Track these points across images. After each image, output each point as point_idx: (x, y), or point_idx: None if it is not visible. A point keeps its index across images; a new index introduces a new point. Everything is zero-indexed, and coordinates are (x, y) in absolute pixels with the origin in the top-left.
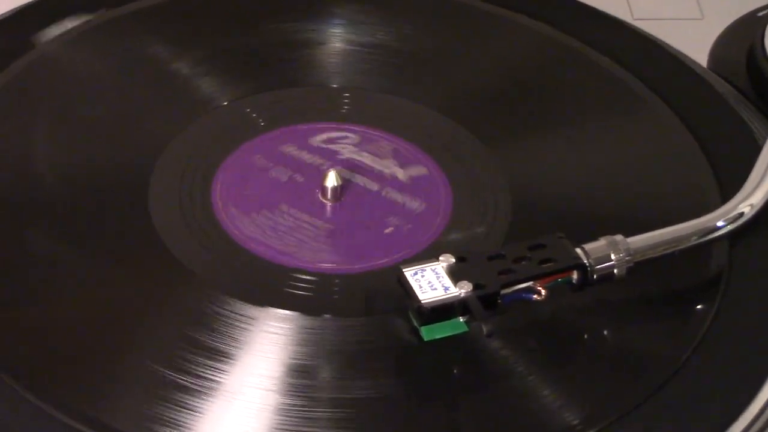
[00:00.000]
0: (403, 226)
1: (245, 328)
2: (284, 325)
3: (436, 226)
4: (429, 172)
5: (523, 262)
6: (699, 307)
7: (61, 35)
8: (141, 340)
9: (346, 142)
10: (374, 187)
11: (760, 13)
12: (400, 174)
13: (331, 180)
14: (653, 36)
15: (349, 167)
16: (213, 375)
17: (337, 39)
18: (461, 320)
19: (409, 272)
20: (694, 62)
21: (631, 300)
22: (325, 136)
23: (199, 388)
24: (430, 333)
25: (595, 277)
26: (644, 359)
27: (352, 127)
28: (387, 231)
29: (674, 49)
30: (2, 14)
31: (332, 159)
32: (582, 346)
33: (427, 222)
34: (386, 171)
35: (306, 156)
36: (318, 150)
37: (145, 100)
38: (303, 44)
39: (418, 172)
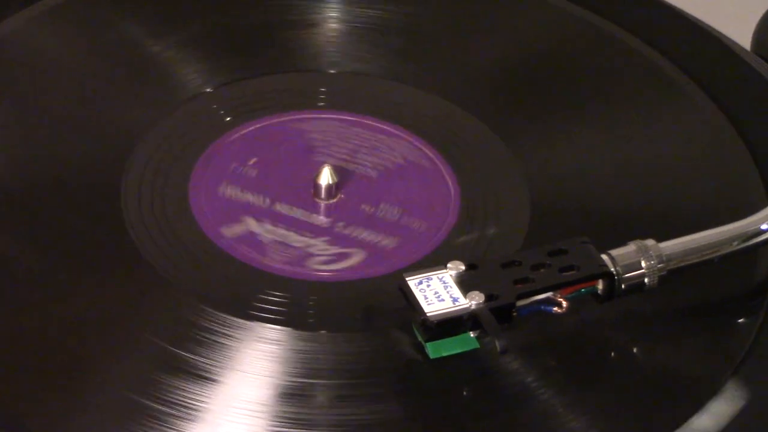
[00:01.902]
0: (406, 228)
1: (229, 345)
2: (274, 342)
3: (443, 229)
4: (436, 168)
5: (542, 270)
6: (741, 321)
7: (21, 14)
8: (110, 358)
9: (344, 133)
10: (374, 184)
11: None
12: (403, 170)
13: (325, 177)
14: (691, 15)
15: (347, 162)
16: (192, 399)
17: (332, 18)
18: (472, 335)
19: (413, 281)
20: (736, 45)
21: (664, 313)
22: (320, 126)
23: (176, 414)
24: (437, 350)
25: (623, 287)
26: (679, 380)
27: (351, 118)
28: (388, 234)
29: (715, 30)
30: None
31: (328, 154)
32: (608, 365)
33: (434, 224)
34: (387, 165)
35: (298, 150)
36: (312, 143)
37: (116, 88)
38: (295, 25)
39: (424, 167)
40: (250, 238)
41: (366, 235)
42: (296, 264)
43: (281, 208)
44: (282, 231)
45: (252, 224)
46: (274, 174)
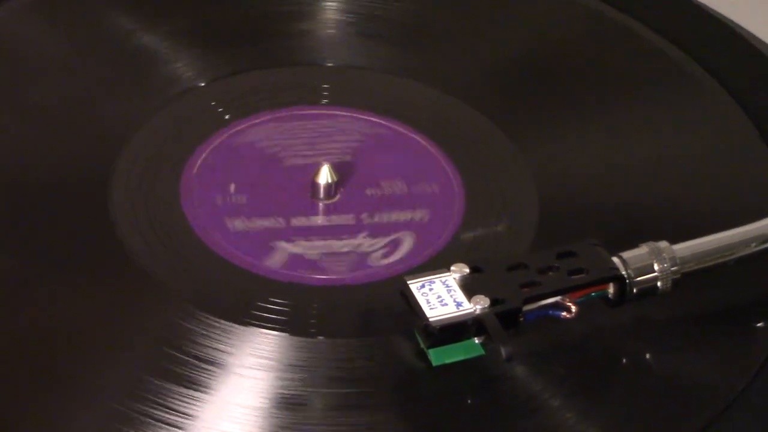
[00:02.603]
0: (408, 229)
1: (223, 351)
2: (269, 348)
3: (446, 230)
4: (439, 166)
5: (550, 274)
6: (759, 326)
7: (3, 5)
8: (100, 364)
9: (342, 130)
10: (374, 183)
11: None
12: (405, 167)
13: (324, 176)
14: (710, 8)
15: (345, 160)
16: (185, 407)
17: (331, 9)
18: (476, 342)
19: (414, 284)
20: (757, 39)
21: (678, 319)
22: (316, 123)
23: (168, 422)
24: (440, 357)
25: (635, 291)
26: (694, 389)
27: (349, 114)
28: (388, 236)
29: (734, 24)
30: None
31: (325, 151)
32: (619, 373)
33: (437, 225)
34: (387, 162)
35: (294, 148)
36: (308, 141)
37: (104, 83)
38: (292, 16)
39: (427, 165)
40: (244, 240)
41: (365, 236)
42: (292, 267)
43: (277, 208)
44: (277, 233)
45: (247, 226)
46: (269, 172)
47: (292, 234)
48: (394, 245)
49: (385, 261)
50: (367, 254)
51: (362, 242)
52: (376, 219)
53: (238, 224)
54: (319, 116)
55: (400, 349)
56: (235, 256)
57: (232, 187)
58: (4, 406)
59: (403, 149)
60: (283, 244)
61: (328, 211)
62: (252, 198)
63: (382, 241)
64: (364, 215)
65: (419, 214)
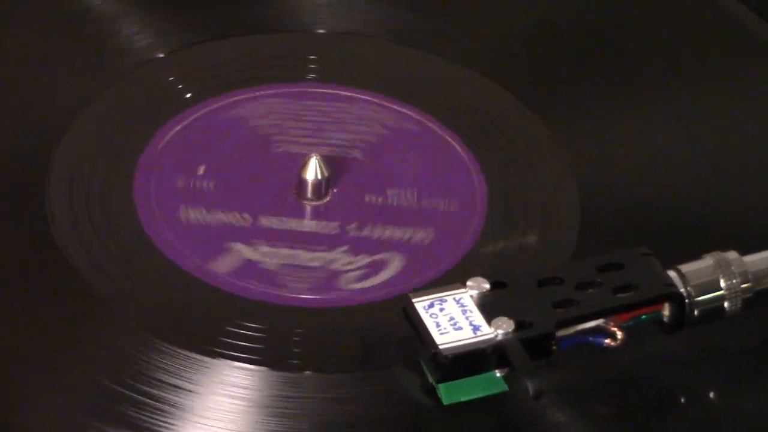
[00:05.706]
0: (416, 236)
1: (186, 389)
2: (245, 385)
3: (465, 237)
4: (457, 157)
5: (591, 290)
6: None
7: None
8: (32, 402)
9: (336, 113)
10: (374, 180)
11: None
12: (414, 161)
13: (312, 171)
14: None
15: (339, 152)
16: None
17: None
18: (498, 375)
19: (421, 303)
20: None
21: (750, 349)
22: (304, 104)
23: None
24: (452, 393)
25: (696, 313)
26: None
27: (344, 92)
28: (391, 243)
29: None
30: None
31: (322, 141)
32: (677, 415)
33: (453, 230)
34: (393, 156)
35: (277, 135)
36: (295, 126)
37: (43, 55)
38: None
39: (441, 156)
40: (211, 249)
41: (362, 245)
42: (272, 285)
43: (252, 210)
44: (253, 241)
45: (215, 233)
46: (244, 164)
47: (255, 235)
48: (376, 267)
49: (357, 285)
50: (339, 273)
51: (337, 258)
52: (366, 232)
53: (203, 225)
54: (307, 95)
55: (402, 385)
56: (202, 270)
57: (195, 181)
58: None
59: (420, 146)
60: (240, 246)
61: (312, 213)
62: (219, 188)
63: (363, 260)
64: (351, 226)
65: (421, 233)
